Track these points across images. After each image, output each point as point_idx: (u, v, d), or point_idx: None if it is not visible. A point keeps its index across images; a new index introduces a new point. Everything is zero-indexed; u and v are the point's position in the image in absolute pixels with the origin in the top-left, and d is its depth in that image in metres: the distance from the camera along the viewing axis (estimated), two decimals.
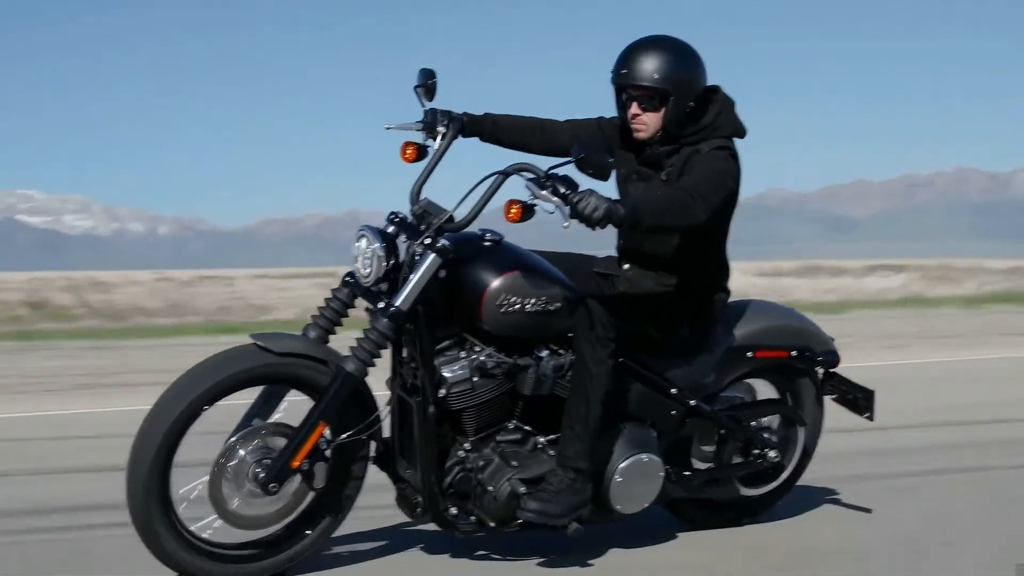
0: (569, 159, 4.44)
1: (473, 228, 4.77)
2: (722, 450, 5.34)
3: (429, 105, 4.98)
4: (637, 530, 5.33)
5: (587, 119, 5.22)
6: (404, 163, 4.97)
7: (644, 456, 4.97)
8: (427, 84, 4.92)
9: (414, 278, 4.59)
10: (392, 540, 5.26)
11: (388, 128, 5.00)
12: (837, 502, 6.12)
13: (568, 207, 4.37)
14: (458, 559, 5.06)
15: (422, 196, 4.85)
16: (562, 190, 4.40)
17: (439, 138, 4.95)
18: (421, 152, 4.96)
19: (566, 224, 4.38)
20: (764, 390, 5.62)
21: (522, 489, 4.76)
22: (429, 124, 4.97)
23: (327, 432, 4.60)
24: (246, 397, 4.73)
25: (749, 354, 5.35)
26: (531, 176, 4.52)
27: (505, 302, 4.66)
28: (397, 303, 4.58)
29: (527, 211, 4.43)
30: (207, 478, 4.50)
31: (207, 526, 4.61)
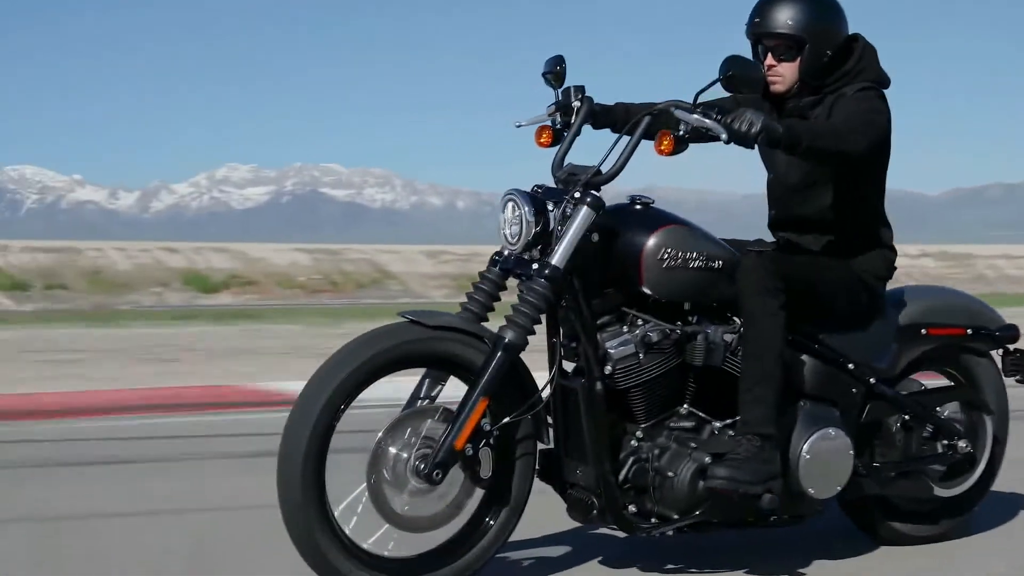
0: (715, 79, 4.29)
1: (621, 199, 4.57)
2: (908, 440, 4.95)
3: (560, 89, 4.78)
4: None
5: (721, 98, 4.90)
6: (540, 150, 4.77)
7: (831, 430, 4.63)
8: (555, 71, 4.73)
9: (568, 234, 4.34)
10: (565, 546, 4.95)
11: (519, 125, 4.86)
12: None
13: (724, 127, 4.21)
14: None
15: (565, 164, 4.65)
16: (715, 111, 4.25)
17: (575, 114, 4.75)
18: (557, 136, 4.76)
19: (724, 136, 4.22)
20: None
21: (707, 460, 4.44)
22: (563, 104, 4.77)
23: (488, 414, 4.28)
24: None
25: (923, 331, 5.00)
26: (680, 106, 4.35)
27: (666, 255, 4.43)
28: (553, 261, 4.33)
29: (679, 142, 4.29)
30: (364, 487, 4.18)
31: (384, 540, 4.28)
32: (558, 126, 4.76)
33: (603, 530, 5.00)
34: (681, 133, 4.30)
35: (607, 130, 4.84)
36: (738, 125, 4.21)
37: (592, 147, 4.81)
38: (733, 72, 4.27)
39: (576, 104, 4.75)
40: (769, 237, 5.04)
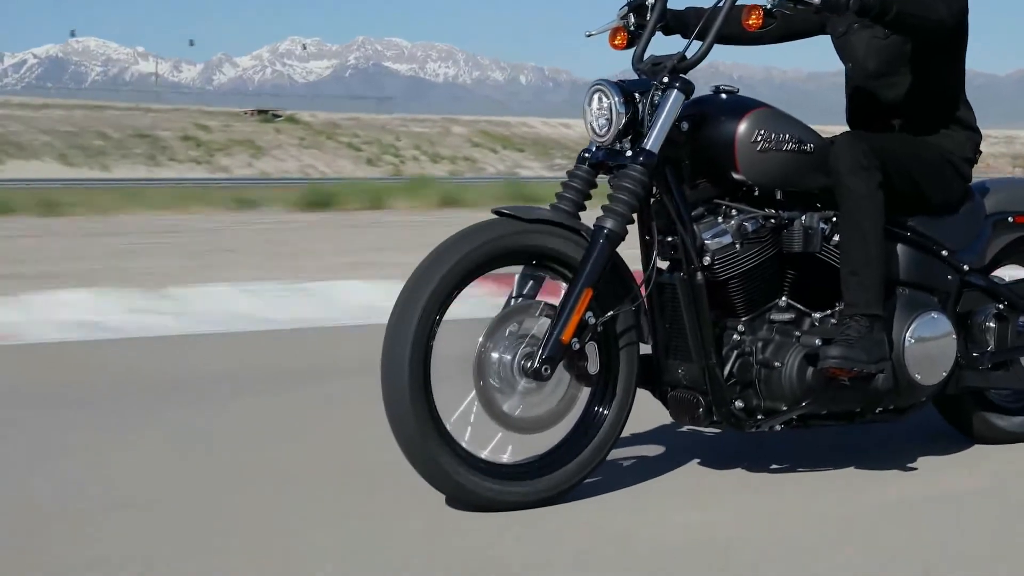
0: None
1: (704, 90, 4.48)
2: (1003, 330, 4.84)
3: None
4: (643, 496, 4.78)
5: None
6: (616, 52, 4.68)
7: (933, 314, 4.56)
8: None
9: (660, 118, 4.25)
10: (660, 446, 4.81)
11: (590, 34, 4.78)
12: None
13: None
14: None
15: (645, 58, 4.57)
16: None
17: (649, 11, 4.65)
18: (632, 37, 4.65)
19: (817, 2, 4.14)
20: None
21: (818, 343, 4.35)
22: (635, 4, 4.66)
23: (592, 307, 4.16)
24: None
25: (1010, 219, 4.93)
26: None
27: (759, 138, 4.35)
28: (647, 145, 4.23)
29: (768, 15, 4.20)
30: (474, 395, 4.08)
31: (501, 447, 4.17)
32: (632, 27, 4.66)
33: (702, 435, 5.00)
34: (770, 6, 4.21)
35: (679, 36, 4.76)
36: None
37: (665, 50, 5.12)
38: None
39: (650, 2, 4.66)
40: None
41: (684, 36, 4.72)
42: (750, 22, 4.21)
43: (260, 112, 72.13)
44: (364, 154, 64.04)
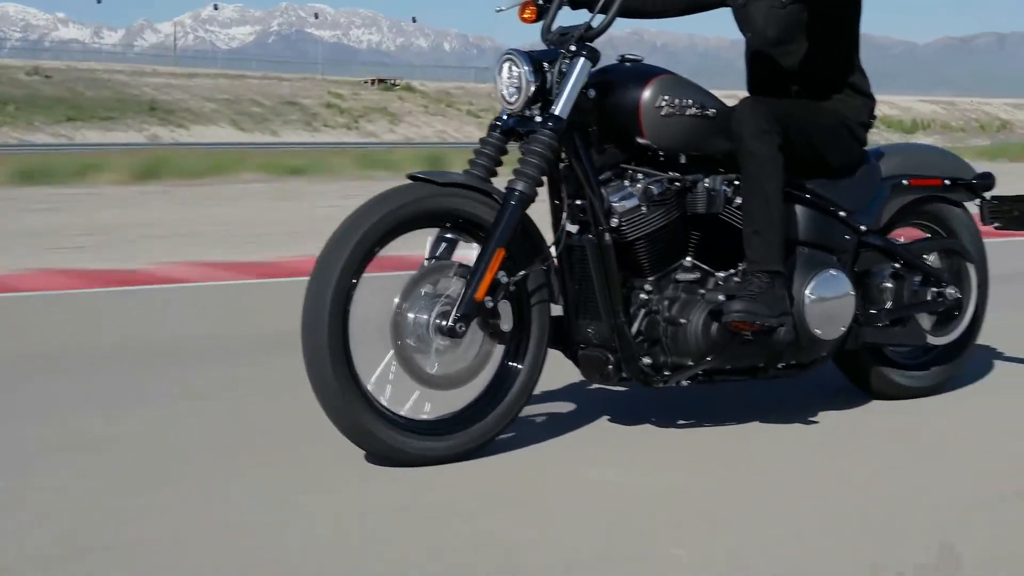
0: None
1: (611, 59, 4.62)
2: (900, 288, 5.05)
3: None
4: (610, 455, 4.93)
5: None
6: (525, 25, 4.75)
7: (832, 271, 4.76)
8: None
9: (567, 85, 4.40)
10: (572, 403, 4.91)
11: (499, 11, 4.85)
12: None
13: None
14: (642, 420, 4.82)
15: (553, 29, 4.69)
16: None
17: None
18: (541, 11, 4.75)
19: None
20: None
21: (721, 298, 4.50)
22: None
23: (505, 266, 4.30)
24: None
25: (904, 182, 5.13)
26: None
27: (663, 103, 4.51)
28: (555, 111, 4.38)
29: None
30: (392, 355, 4.20)
31: (419, 404, 4.31)
32: (540, 1, 4.77)
33: (613, 391, 5.14)
34: None
35: (586, 8, 4.83)
36: None
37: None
38: None
39: None
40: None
41: (590, 10, 4.82)
42: None
43: (380, 81, 76.41)
44: (484, 120, 66.52)
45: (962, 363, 5.40)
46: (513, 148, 4.53)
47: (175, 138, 53.51)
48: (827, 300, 4.73)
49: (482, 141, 4.52)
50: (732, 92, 5.04)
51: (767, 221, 4.54)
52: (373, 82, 75.86)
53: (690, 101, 4.58)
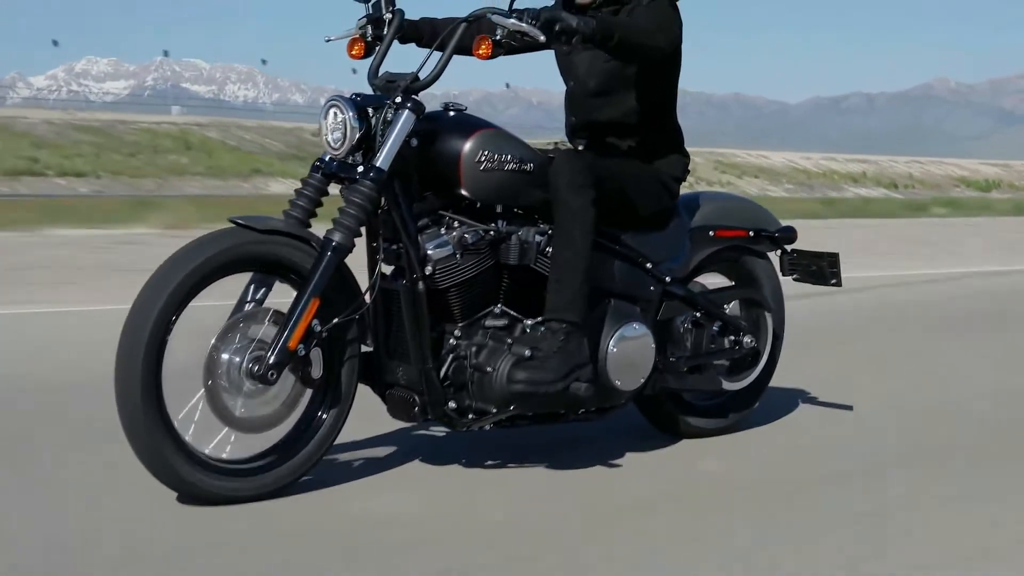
0: None
1: (435, 105, 4.72)
2: (699, 336, 5.26)
3: (371, 2, 4.89)
4: (603, 470, 5.19)
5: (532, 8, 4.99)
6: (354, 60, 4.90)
7: (634, 324, 4.92)
8: None
9: (391, 137, 4.47)
10: (387, 447, 5.04)
11: (329, 40, 4.96)
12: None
13: (540, 29, 4.39)
14: (459, 463, 4.95)
15: (380, 73, 4.78)
16: (527, 15, 4.43)
17: (387, 26, 4.87)
18: (369, 47, 4.88)
19: (541, 38, 4.42)
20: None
21: (526, 352, 4.61)
22: (374, 16, 4.89)
23: (319, 315, 4.38)
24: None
25: (711, 233, 5.34)
26: (495, 12, 4.50)
27: (484, 158, 4.61)
28: (377, 163, 4.45)
29: (496, 46, 4.47)
30: (203, 393, 4.27)
31: (223, 444, 4.38)
32: (369, 38, 4.87)
33: (423, 431, 5.29)
34: (498, 37, 4.45)
35: (413, 45, 5.02)
36: (553, 25, 4.39)
37: (402, 59, 5.36)
38: None
39: (388, 16, 4.87)
40: (567, 146, 5.20)
41: (418, 45, 4.98)
42: (480, 52, 4.48)
43: None
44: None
45: (753, 406, 5.65)
46: (333, 189, 4.61)
47: None
48: (628, 353, 4.91)
49: (303, 182, 4.57)
50: None
51: (572, 271, 4.66)
52: None
53: (509, 156, 4.69)
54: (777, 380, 5.76)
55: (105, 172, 36.09)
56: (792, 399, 6.25)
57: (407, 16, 4.96)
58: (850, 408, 6.12)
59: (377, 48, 4.86)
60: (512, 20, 4.42)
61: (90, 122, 43.71)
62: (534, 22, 4.40)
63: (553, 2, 5.08)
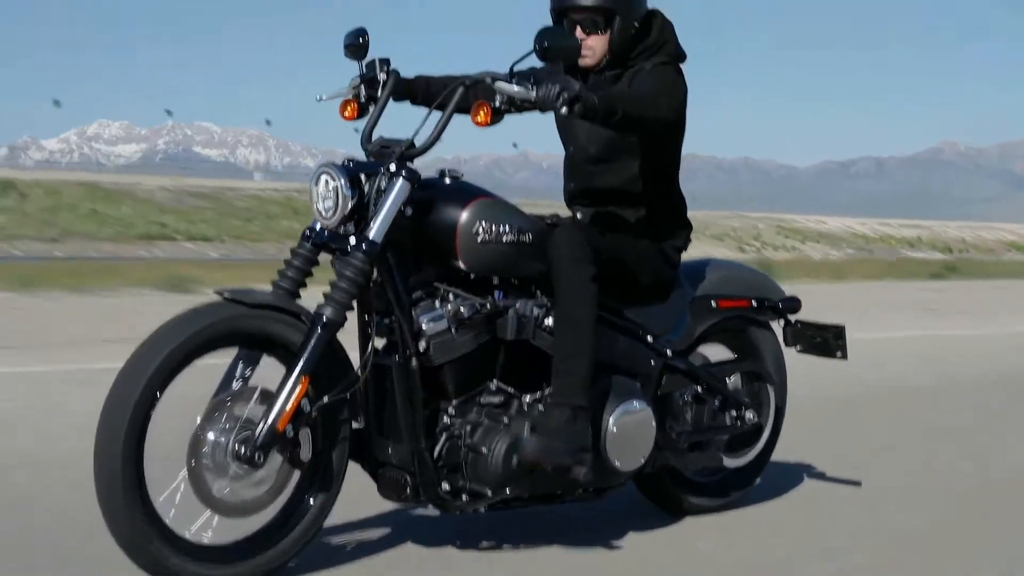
0: (529, 51, 4.25)
1: (431, 172, 4.53)
2: (700, 411, 5.10)
3: (365, 62, 4.71)
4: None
5: (533, 68, 4.83)
6: (346, 122, 4.70)
7: (635, 403, 4.75)
8: (358, 43, 4.65)
9: (384, 207, 4.28)
10: (377, 528, 4.87)
11: (320, 99, 4.77)
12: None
13: (540, 97, 4.23)
14: (452, 547, 4.77)
15: (374, 137, 4.59)
16: (530, 81, 4.27)
17: (380, 87, 4.71)
18: (363, 108, 4.70)
19: (540, 106, 4.28)
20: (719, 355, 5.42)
21: (523, 429, 4.47)
22: (367, 77, 4.72)
23: (309, 394, 4.19)
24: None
25: (713, 304, 5.19)
26: (495, 77, 4.34)
27: (481, 230, 4.42)
28: (370, 235, 4.26)
29: (496, 113, 4.29)
30: (185, 474, 4.07)
31: (205, 527, 4.15)
32: (363, 99, 4.71)
33: (416, 511, 5.09)
34: (497, 104, 4.29)
35: (407, 102, 4.83)
36: (554, 94, 4.21)
37: (395, 118, 5.10)
38: (548, 43, 4.22)
39: (382, 77, 4.72)
40: (565, 211, 5.06)
41: (412, 103, 4.81)
42: (478, 119, 4.27)
43: None
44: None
45: (755, 482, 5.50)
46: (324, 258, 4.42)
47: None
48: (628, 432, 4.74)
49: (293, 252, 4.38)
50: None
51: (576, 353, 4.49)
52: None
53: (507, 227, 4.49)
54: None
55: (228, 237, 36.59)
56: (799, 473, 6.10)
57: (402, 75, 4.79)
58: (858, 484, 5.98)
59: (371, 109, 4.69)
60: (513, 87, 4.27)
61: (201, 188, 44.76)
62: (534, 88, 4.24)
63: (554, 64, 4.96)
